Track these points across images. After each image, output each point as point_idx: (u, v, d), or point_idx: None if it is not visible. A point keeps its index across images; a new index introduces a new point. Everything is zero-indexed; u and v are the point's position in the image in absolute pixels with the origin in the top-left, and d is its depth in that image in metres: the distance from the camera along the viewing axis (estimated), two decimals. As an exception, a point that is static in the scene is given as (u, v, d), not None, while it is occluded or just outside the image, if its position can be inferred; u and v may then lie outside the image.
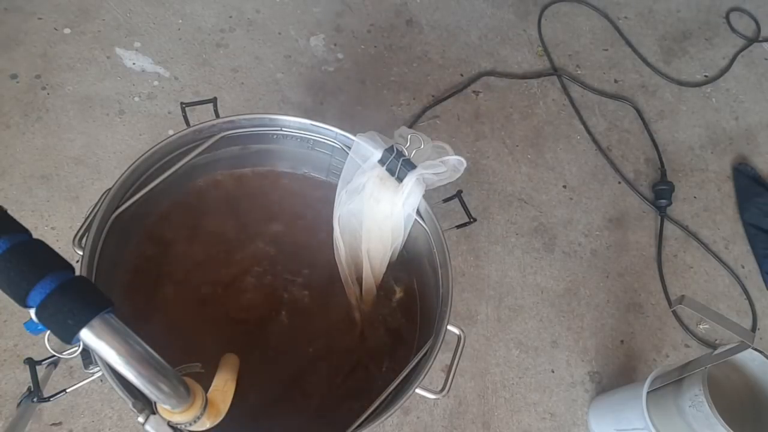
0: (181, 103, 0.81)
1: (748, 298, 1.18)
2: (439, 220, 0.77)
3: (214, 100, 0.83)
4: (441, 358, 0.76)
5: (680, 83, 1.43)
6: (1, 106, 1.12)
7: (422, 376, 0.67)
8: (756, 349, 0.75)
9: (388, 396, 0.70)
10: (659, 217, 1.23)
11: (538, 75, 1.37)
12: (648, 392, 0.83)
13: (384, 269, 0.84)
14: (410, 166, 0.74)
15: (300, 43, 1.31)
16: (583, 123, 1.32)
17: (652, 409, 0.82)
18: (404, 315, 0.88)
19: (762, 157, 1.35)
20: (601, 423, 0.98)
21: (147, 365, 0.43)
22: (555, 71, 1.38)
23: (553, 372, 1.06)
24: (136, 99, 1.18)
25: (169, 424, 0.49)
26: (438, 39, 1.38)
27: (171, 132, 1.13)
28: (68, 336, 0.41)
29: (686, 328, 1.12)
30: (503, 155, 1.26)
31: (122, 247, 0.77)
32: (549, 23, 1.46)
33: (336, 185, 0.82)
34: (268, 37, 1.30)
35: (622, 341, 1.10)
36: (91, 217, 0.68)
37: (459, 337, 0.74)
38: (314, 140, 0.83)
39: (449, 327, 0.72)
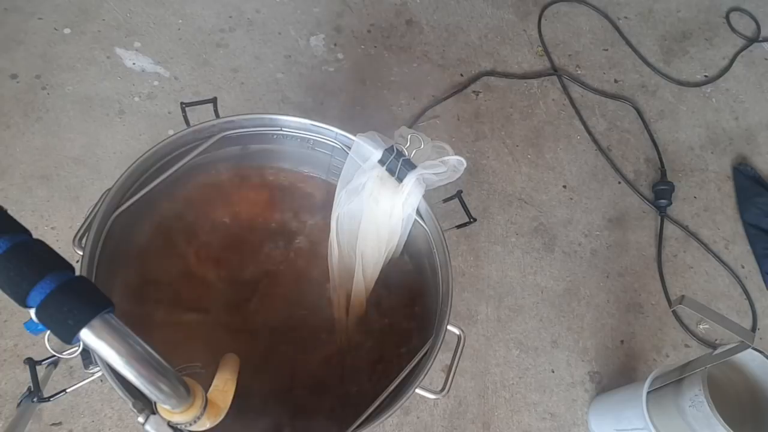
0: (181, 103, 0.81)
1: (748, 298, 1.18)
2: (439, 220, 0.77)
3: (214, 100, 0.83)
4: (441, 358, 0.76)
5: (680, 83, 1.43)
6: (1, 106, 1.12)
7: (422, 376, 0.67)
8: (756, 349, 0.75)
9: (388, 396, 0.70)
10: (659, 217, 1.23)
11: (538, 75, 1.37)
12: (648, 392, 0.83)
13: (376, 275, 0.83)
14: (410, 166, 0.74)
15: (300, 43, 1.31)
16: (583, 123, 1.33)
17: (652, 409, 0.82)
18: (403, 316, 0.88)
19: (762, 157, 1.35)
20: (601, 423, 0.98)
21: (147, 365, 0.43)
22: (555, 71, 1.38)
23: (553, 372, 1.06)
24: (136, 99, 1.18)
25: (169, 424, 0.49)
26: (438, 39, 1.38)
27: (171, 132, 1.13)
28: (68, 336, 0.41)
29: (686, 328, 1.12)
30: (503, 155, 1.26)
31: (122, 247, 0.77)
32: (549, 23, 1.46)
33: (336, 185, 0.82)
34: (268, 37, 1.30)
35: (622, 341, 1.10)
36: (91, 217, 0.68)
37: (459, 337, 0.74)
38: (314, 140, 0.83)
39: (449, 327, 0.72)
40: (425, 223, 0.79)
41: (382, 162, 0.76)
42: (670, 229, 1.23)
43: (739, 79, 1.46)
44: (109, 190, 0.69)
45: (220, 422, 0.53)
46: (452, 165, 0.76)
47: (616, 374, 1.07)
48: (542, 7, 1.48)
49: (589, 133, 1.31)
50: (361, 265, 0.81)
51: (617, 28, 1.48)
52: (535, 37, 1.43)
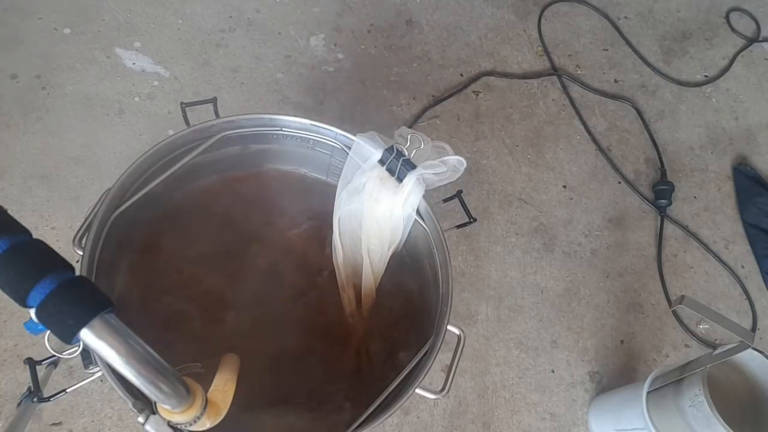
0: (181, 103, 0.81)
1: (748, 298, 1.18)
2: (439, 220, 0.77)
3: (214, 100, 0.83)
4: (441, 358, 0.76)
5: (680, 83, 1.43)
6: (1, 106, 1.12)
7: (422, 376, 0.67)
8: (756, 349, 0.75)
9: (388, 396, 0.70)
10: (659, 217, 1.23)
11: (538, 75, 1.37)
12: (648, 392, 0.83)
13: (382, 271, 0.84)
14: (410, 166, 0.74)
15: (300, 43, 1.31)
16: (583, 123, 1.33)
17: (652, 409, 0.82)
18: (404, 316, 0.88)
19: (762, 157, 1.35)
20: (601, 423, 0.98)
21: (147, 365, 0.43)
22: (555, 71, 1.38)
23: (553, 372, 1.06)
24: (136, 99, 1.18)
25: (169, 424, 0.49)
26: (438, 39, 1.38)
27: (171, 132, 1.13)
28: (68, 336, 0.41)
29: (686, 328, 1.12)
30: (503, 155, 1.26)
31: (122, 247, 0.77)
32: (549, 23, 1.46)
33: (336, 185, 0.82)
34: (268, 37, 1.30)
35: (622, 341, 1.10)
36: (91, 217, 0.68)
37: (459, 337, 0.74)
38: (314, 140, 0.83)
39: (449, 327, 0.72)
40: (425, 223, 0.79)
41: (382, 162, 0.76)
42: (670, 229, 1.23)
43: (739, 79, 1.46)
44: (109, 190, 0.69)
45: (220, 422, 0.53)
46: (452, 165, 0.76)
47: (616, 374, 1.07)
48: (542, 7, 1.48)
49: (589, 133, 1.31)
50: (368, 261, 0.82)
51: (617, 28, 1.48)
52: (535, 37, 1.43)
